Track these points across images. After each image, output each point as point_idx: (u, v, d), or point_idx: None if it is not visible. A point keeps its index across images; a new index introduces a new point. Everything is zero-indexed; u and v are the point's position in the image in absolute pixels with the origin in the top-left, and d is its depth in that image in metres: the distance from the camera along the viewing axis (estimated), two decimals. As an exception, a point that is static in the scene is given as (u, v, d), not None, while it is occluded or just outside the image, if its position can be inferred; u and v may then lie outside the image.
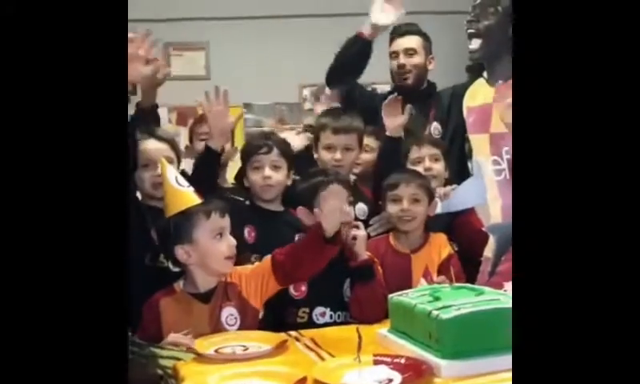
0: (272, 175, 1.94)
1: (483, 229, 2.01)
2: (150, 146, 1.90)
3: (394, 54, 2.58)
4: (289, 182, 2.00)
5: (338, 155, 2.06)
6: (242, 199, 2.04)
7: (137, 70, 1.70)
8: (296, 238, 1.88)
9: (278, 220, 1.96)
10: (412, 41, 2.57)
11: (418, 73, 2.55)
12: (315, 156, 2.15)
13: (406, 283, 1.81)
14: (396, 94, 2.26)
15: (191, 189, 1.65)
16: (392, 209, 1.97)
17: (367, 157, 2.31)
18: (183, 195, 1.63)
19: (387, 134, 2.21)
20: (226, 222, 1.63)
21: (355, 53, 2.40)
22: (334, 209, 1.61)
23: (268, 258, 1.70)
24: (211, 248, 1.60)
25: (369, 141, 2.32)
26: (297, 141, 2.32)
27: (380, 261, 1.88)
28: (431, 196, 2.01)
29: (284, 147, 2.00)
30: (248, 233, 1.90)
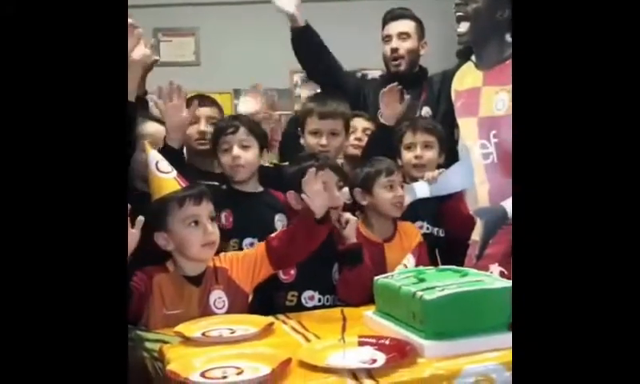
0: (241, 154, 1.90)
1: (470, 213, 2.02)
2: (150, 128, 1.88)
3: (387, 38, 2.57)
4: (262, 162, 1.97)
5: (323, 140, 2.06)
6: (217, 184, 1.99)
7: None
8: (275, 218, 1.89)
9: (256, 202, 1.94)
10: (405, 25, 2.56)
11: (410, 58, 2.55)
12: (302, 141, 2.14)
13: (381, 271, 1.81)
14: (396, 83, 2.26)
15: (173, 175, 1.64)
16: (386, 195, 1.94)
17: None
18: (163, 181, 1.62)
19: (381, 121, 2.21)
20: (201, 209, 1.60)
21: (299, 45, 2.41)
22: (318, 190, 1.62)
23: (261, 243, 1.71)
24: (186, 236, 1.59)
25: (368, 124, 2.33)
26: (250, 105, 2.29)
27: None
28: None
29: (252, 126, 1.96)
30: (225, 218, 1.88)
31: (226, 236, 1.80)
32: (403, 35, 2.54)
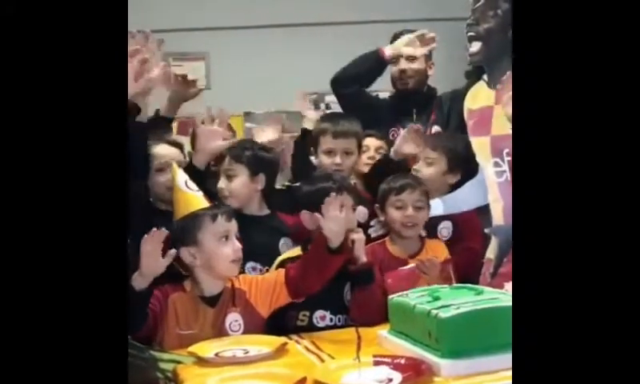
0: (224, 186, 1.90)
1: (486, 231, 2.01)
2: (163, 150, 1.91)
3: (394, 60, 2.60)
4: (259, 186, 1.94)
5: (337, 159, 2.06)
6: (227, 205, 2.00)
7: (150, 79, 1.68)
8: (280, 242, 1.88)
9: (261, 225, 1.93)
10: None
11: (418, 78, 2.59)
12: (315, 161, 2.14)
13: (405, 288, 1.80)
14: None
15: (200, 193, 1.67)
16: (395, 215, 1.95)
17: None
18: (192, 199, 1.65)
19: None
20: (232, 226, 1.64)
21: (370, 67, 2.50)
22: (338, 219, 1.61)
23: (281, 270, 1.70)
24: (217, 251, 1.61)
25: (380, 143, 2.33)
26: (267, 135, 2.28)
27: (378, 266, 1.86)
28: (429, 202, 2.00)
29: (237, 153, 1.93)
30: None
31: None
32: (410, 57, 2.58)
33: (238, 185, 1.91)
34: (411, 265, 1.85)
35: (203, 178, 1.87)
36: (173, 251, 1.53)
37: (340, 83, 2.54)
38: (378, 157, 2.30)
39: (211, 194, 2.00)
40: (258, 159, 1.95)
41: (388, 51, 2.51)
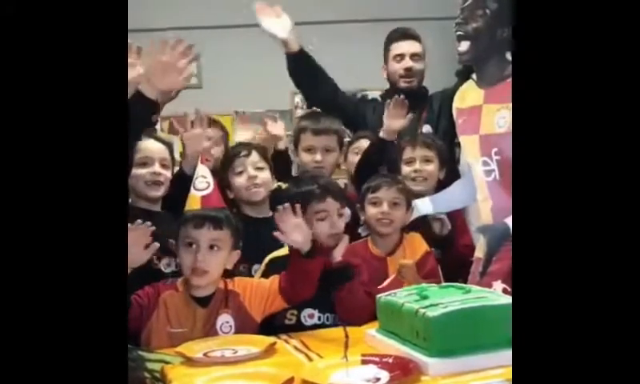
0: (257, 174, 1.96)
1: (475, 229, 2.02)
2: (150, 145, 1.90)
3: (398, 57, 2.57)
4: (273, 185, 2.00)
5: (318, 157, 2.07)
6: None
7: (173, 80, 1.63)
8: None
9: (265, 227, 1.91)
10: (415, 46, 2.58)
11: (420, 79, 2.58)
12: (295, 159, 2.15)
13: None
14: (403, 96, 2.24)
15: (199, 194, 1.75)
16: (371, 211, 1.96)
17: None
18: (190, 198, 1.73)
19: (380, 135, 2.20)
20: (200, 234, 1.60)
21: (297, 68, 2.40)
22: (295, 224, 1.60)
23: (276, 277, 1.69)
24: (181, 256, 1.63)
25: (366, 143, 2.32)
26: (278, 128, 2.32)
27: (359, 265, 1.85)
28: (409, 202, 2.00)
29: (263, 151, 2.03)
30: None
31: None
32: (415, 56, 2.56)
33: (267, 176, 1.99)
34: (391, 277, 1.84)
35: (190, 182, 1.91)
36: (156, 244, 1.52)
37: (308, 101, 2.55)
38: None
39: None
40: (277, 159, 2.07)
41: (287, 44, 2.35)
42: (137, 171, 1.85)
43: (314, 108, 2.57)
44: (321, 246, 1.69)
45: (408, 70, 2.54)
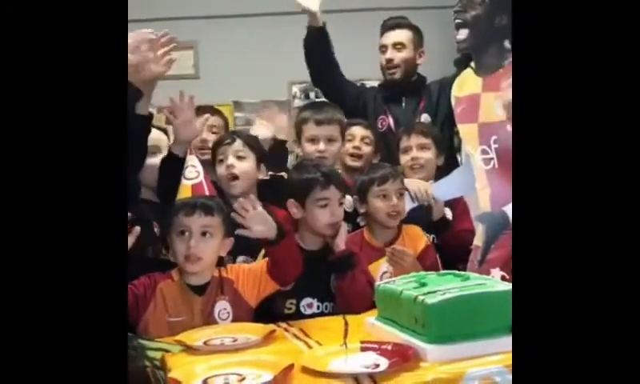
0: (235, 164, 1.90)
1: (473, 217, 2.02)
2: (156, 134, 1.88)
3: (382, 48, 2.59)
4: (260, 176, 1.96)
5: (321, 146, 2.06)
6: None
7: (152, 70, 1.59)
8: None
9: None
10: (401, 35, 2.57)
11: (406, 67, 2.56)
12: (298, 150, 2.15)
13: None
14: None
15: (189, 182, 1.73)
16: (379, 204, 1.95)
17: (367, 149, 2.31)
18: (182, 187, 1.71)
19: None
20: (192, 221, 1.61)
21: (313, 43, 2.42)
22: (253, 218, 1.59)
23: (266, 259, 1.69)
24: (174, 244, 1.63)
25: (366, 133, 2.33)
26: (262, 130, 2.30)
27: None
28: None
29: (248, 139, 1.97)
30: None
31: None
32: (398, 45, 2.55)
33: (247, 166, 1.92)
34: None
35: (182, 166, 1.85)
36: (137, 229, 1.52)
37: (314, 79, 2.52)
38: (363, 146, 2.30)
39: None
40: (263, 149, 1.99)
41: (317, 18, 2.38)
42: (148, 160, 1.80)
43: (318, 89, 2.56)
44: (285, 224, 1.68)
45: (389, 61, 2.54)
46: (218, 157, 1.95)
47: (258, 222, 1.59)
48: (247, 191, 1.89)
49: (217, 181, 1.99)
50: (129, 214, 1.47)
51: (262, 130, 2.31)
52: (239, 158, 1.93)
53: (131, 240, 1.51)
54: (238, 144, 1.94)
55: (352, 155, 2.29)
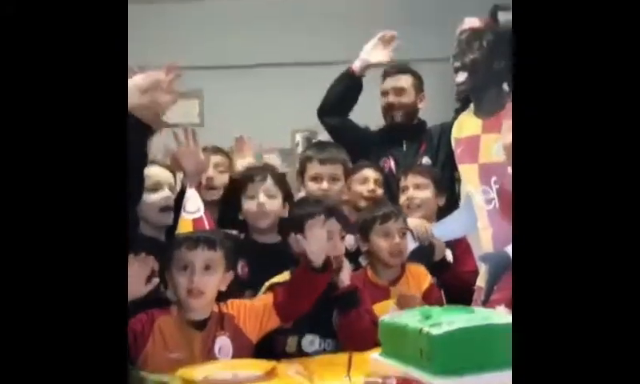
0: (266, 202, 1.94)
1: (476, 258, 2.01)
2: (156, 171, 1.90)
3: (384, 93, 2.64)
4: (285, 213, 1.98)
5: (324, 185, 2.08)
6: (235, 233, 2.02)
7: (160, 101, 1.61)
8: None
9: (273, 252, 1.93)
10: (402, 80, 2.63)
11: (406, 111, 2.61)
12: (302, 190, 2.16)
13: None
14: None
15: (191, 216, 1.71)
16: (382, 243, 1.95)
17: (380, 191, 2.32)
18: (181, 221, 1.70)
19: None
20: (195, 256, 1.60)
21: (345, 87, 2.51)
22: (320, 236, 1.62)
23: (269, 294, 1.69)
24: (175, 279, 1.61)
25: (378, 175, 2.35)
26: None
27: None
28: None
29: (279, 177, 2.01)
30: (241, 268, 1.88)
31: (241, 286, 1.80)
32: (399, 91, 2.61)
33: (277, 205, 1.96)
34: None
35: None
36: (156, 280, 1.53)
37: (324, 111, 2.57)
38: (377, 189, 2.31)
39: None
40: (289, 188, 2.03)
41: (356, 65, 2.52)
42: (149, 197, 1.84)
43: (324, 128, 2.61)
44: (332, 265, 1.68)
45: (390, 105, 2.60)
46: (248, 193, 1.96)
47: (319, 242, 1.63)
48: (273, 226, 1.94)
49: (242, 215, 2.00)
50: (153, 260, 1.49)
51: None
52: (269, 196, 1.96)
53: (148, 289, 1.51)
54: (270, 183, 1.97)
55: (367, 198, 2.29)
